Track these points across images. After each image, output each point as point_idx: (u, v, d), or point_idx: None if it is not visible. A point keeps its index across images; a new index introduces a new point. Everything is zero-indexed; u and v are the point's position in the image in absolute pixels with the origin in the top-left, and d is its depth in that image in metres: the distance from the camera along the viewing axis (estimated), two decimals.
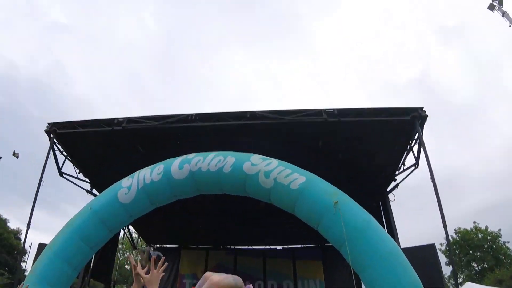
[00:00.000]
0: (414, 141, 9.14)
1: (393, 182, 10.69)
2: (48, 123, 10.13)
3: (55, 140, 10.17)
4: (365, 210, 5.38)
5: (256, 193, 6.16)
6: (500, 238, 30.93)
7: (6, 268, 43.43)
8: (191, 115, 9.04)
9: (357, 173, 10.03)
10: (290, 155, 7.20)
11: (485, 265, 30.07)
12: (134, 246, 17.14)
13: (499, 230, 31.00)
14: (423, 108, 8.69)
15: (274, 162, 5.98)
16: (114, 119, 9.48)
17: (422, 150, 8.72)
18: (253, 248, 15.14)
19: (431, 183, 8.14)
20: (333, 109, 8.52)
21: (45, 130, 10.13)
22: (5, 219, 47.48)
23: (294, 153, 8.31)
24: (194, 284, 14.08)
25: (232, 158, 6.28)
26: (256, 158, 6.14)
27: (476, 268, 31.35)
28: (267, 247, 15.03)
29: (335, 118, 8.45)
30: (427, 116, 8.63)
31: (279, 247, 14.92)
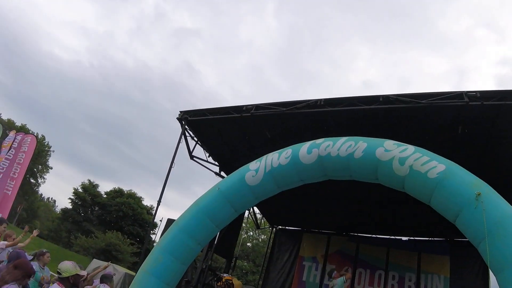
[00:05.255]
0: None
1: None
2: (180, 111, 11.03)
3: (186, 126, 11.01)
4: (510, 205, 4.74)
5: (388, 180, 5.80)
6: None
7: (138, 239, 49.50)
8: (320, 100, 8.89)
9: (501, 163, 8.92)
10: (425, 141, 6.68)
11: None
12: (257, 226, 17.94)
13: None
14: None
15: (410, 148, 5.56)
16: (243, 106, 9.86)
17: None
18: (376, 237, 14.66)
19: None
20: (475, 92, 7.57)
21: (177, 118, 11.03)
22: (140, 197, 54.00)
23: (430, 140, 7.69)
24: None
25: (364, 143, 5.97)
26: (390, 144, 5.75)
27: None
28: (392, 237, 14.42)
29: (478, 102, 7.52)
30: None
31: (404, 238, 14.19)
